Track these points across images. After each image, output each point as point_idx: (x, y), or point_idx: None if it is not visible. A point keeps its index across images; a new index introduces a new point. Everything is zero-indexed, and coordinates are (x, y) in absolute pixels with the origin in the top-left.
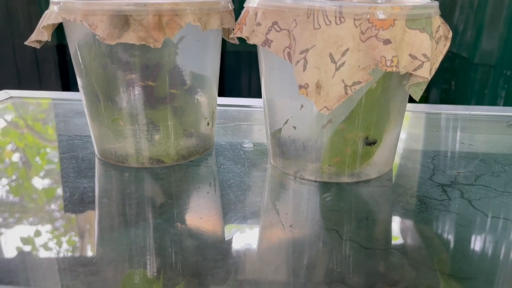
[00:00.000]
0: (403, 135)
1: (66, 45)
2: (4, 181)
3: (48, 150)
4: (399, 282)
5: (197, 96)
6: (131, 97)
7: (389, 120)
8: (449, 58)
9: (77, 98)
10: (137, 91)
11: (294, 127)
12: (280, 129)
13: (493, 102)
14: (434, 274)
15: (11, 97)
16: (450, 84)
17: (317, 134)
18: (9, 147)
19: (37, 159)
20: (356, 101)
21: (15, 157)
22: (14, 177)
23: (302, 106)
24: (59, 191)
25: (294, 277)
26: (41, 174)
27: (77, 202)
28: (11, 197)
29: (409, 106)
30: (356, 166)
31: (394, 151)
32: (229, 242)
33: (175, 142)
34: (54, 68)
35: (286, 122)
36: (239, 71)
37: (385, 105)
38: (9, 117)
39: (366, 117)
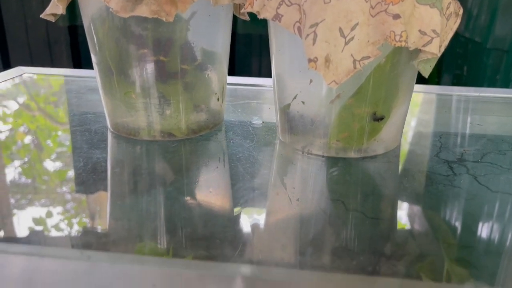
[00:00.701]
0: (411, 115)
1: (78, 26)
2: (20, 155)
3: (61, 124)
4: (401, 249)
5: (208, 72)
6: (143, 71)
7: (397, 96)
8: (462, 43)
9: (90, 75)
10: (149, 65)
11: (303, 102)
12: (289, 104)
13: (505, 87)
14: (436, 242)
15: (25, 73)
16: (462, 69)
17: (325, 109)
18: (22, 128)
19: (49, 141)
20: (364, 76)
21: (29, 136)
22: (28, 158)
23: (311, 81)
24: (73, 160)
25: (299, 245)
26: (56, 151)
27: (90, 171)
28: (25, 177)
29: (419, 87)
30: (364, 141)
31: (401, 127)
32: (238, 214)
33: (186, 116)
34: (66, 49)
35: (295, 97)
36: (249, 54)
37: (394, 81)
38: (23, 93)
39: (375, 93)
